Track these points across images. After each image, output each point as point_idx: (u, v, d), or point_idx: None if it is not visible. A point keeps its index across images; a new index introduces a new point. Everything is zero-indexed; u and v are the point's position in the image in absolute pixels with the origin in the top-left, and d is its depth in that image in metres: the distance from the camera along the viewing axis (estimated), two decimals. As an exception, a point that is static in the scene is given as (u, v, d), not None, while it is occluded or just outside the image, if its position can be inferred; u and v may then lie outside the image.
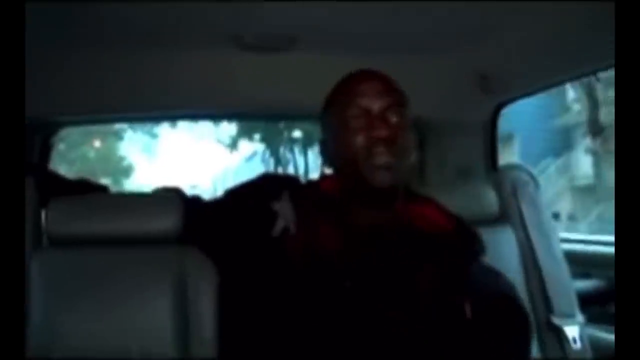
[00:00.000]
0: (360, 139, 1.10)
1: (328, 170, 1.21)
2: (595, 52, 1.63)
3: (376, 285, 1.06)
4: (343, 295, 1.04)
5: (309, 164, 10.76)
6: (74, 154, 12.01)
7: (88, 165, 12.45)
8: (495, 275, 1.18)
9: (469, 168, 2.17)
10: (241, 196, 1.22)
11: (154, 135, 12.97)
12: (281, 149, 11.46)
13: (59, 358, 1.14)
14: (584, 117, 10.84)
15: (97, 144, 12.95)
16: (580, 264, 1.88)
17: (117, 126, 11.72)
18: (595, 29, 1.50)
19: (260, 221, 1.12)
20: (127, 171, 13.74)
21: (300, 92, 1.74)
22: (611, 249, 2.02)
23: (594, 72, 1.77)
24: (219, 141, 11.98)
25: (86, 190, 1.35)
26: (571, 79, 2.00)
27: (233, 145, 11.68)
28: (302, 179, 1.27)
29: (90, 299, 1.20)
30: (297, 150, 11.19)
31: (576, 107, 11.17)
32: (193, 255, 1.22)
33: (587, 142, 10.93)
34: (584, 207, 10.63)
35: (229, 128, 11.28)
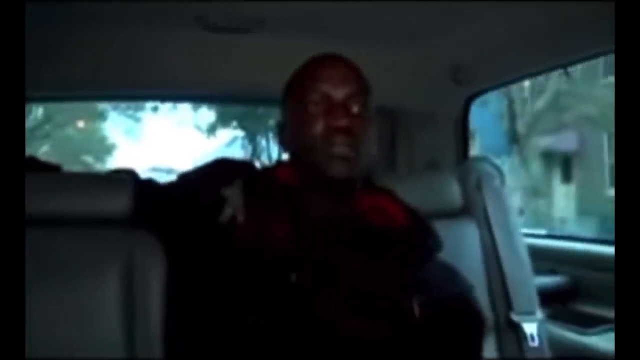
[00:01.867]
0: (319, 127, 1.06)
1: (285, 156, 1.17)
2: (564, 47, 1.63)
3: (322, 281, 1.02)
4: (287, 289, 1.00)
5: (282, 152, 10.85)
6: (59, 133, 12.09)
7: (71, 144, 12.56)
8: (450, 274, 1.15)
9: (439, 160, 2.16)
10: (193, 180, 1.18)
11: (136, 119, 13.11)
12: (258, 137, 11.67)
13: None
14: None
15: (80, 124, 12.97)
16: (546, 259, 1.88)
17: (101, 107, 11.83)
18: (564, 23, 1.49)
19: (209, 207, 1.08)
20: (109, 150, 13.80)
21: (267, 75, 1.71)
22: (578, 245, 2.03)
23: (562, 66, 1.76)
24: (197, 127, 12.18)
25: (35, 168, 1.30)
26: (539, 72, 1.99)
27: (211, 131, 11.81)
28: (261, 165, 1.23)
29: (37, 282, 1.13)
30: (271, 137, 11.23)
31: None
32: (142, 238, 1.19)
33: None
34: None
35: (207, 115, 11.46)
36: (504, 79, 2.02)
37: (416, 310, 1.03)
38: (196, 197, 1.12)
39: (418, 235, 1.14)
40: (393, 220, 1.14)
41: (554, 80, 10.20)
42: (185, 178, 1.20)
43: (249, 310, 0.99)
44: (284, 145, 1.17)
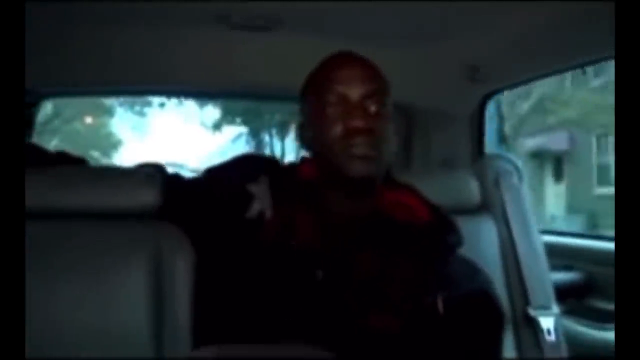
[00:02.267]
0: (337, 128, 1.06)
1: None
2: (581, 47, 1.64)
3: (348, 278, 1.04)
4: (314, 286, 1.02)
5: (285, 148, 11.18)
6: (67, 128, 12.24)
7: (79, 139, 12.67)
8: (471, 269, 1.16)
9: (455, 158, 2.18)
10: (219, 176, 1.20)
11: (143, 115, 13.26)
12: (261, 133, 11.87)
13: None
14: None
15: (88, 120, 13.17)
16: (562, 256, 1.90)
17: (108, 104, 12.00)
18: (582, 23, 1.50)
19: (236, 203, 1.10)
20: (115, 146, 14.01)
21: (286, 73, 1.73)
22: (593, 243, 2.04)
23: (580, 66, 1.77)
24: (203, 124, 12.40)
25: (63, 162, 1.33)
26: (555, 72, 2.00)
27: (217, 127, 12.00)
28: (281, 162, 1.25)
29: (66, 274, 1.17)
30: (275, 134, 11.64)
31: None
32: (170, 232, 1.21)
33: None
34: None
35: (213, 112, 11.69)
36: (520, 79, 2.03)
37: (440, 305, 1.04)
38: (223, 193, 1.14)
39: (440, 230, 1.15)
40: (415, 215, 1.15)
41: (540, 84, 10.35)
42: (212, 173, 1.22)
43: (276, 305, 1.00)
44: (304, 144, 1.17)
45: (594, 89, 10.84)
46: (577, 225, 10.44)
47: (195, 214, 1.17)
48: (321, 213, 1.10)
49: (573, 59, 1.77)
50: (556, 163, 13.19)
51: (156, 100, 11.52)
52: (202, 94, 3.05)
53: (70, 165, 1.34)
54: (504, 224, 1.52)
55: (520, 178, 1.60)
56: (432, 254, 1.10)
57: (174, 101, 11.49)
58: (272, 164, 1.22)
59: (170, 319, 1.18)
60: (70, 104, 10.89)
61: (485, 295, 1.14)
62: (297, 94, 1.20)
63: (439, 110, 2.18)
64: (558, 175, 13.06)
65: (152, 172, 1.27)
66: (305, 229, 1.07)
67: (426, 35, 1.84)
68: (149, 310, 1.17)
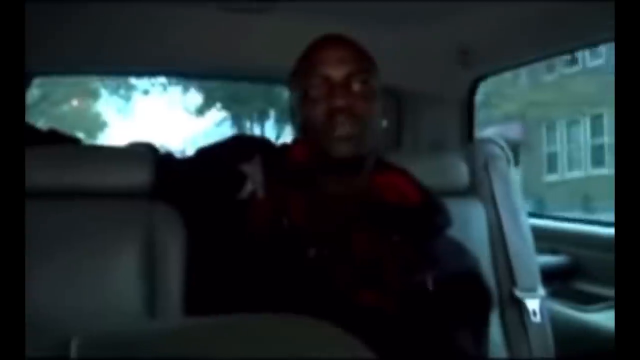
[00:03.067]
0: (320, 109, 1.08)
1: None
2: (571, 31, 1.64)
3: (340, 256, 1.06)
4: (306, 263, 1.04)
5: (265, 133, 11.53)
6: (55, 111, 12.53)
7: (67, 120, 12.88)
8: (459, 249, 1.19)
9: (444, 141, 2.19)
10: (212, 155, 1.21)
11: (128, 99, 13.46)
12: (243, 119, 12.45)
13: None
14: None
15: (75, 103, 13.42)
16: (549, 240, 1.92)
17: (94, 87, 12.36)
18: (571, 7, 1.51)
19: (229, 182, 1.11)
20: (101, 127, 14.31)
21: (277, 55, 1.73)
22: (579, 227, 2.07)
23: (568, 52, 1.78)
24: (186, 109, 12.89)
25: (56, 140, 1.33)
26: (545, 57, 2.02)
27: (200, 112, 12.57)
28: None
29: (59, 252, 1.17)
30: (255, 120, 12.30)
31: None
32: (163, 210, 1.21)
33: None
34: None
35: (195, 98, 12.31)
36: (510, 63, 2.04)
37: (429, 283, 1.07)
38: (216, 172, 1.15)
39: (429, 211, 1.17)
40: (405, 197, 1.17)
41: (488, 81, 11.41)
42: (204, 153, 1.23)
43: (268, 283, 1.01)
44: (295, 127, 1.19)
45: (545, 85, 11.95)
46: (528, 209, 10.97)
47: (188, 192, 1.18)
48: (313, 193, 1.11)
49: (562, 44, 1.78)
50: (513, 151, 13.71)
51: (140, 85, 12.07)
52: (194, 75, 3.03)
53: (61, 143, 1.34)
54: (492, 206, 1.53)
55: (508, 162, 1.61)
56: (422, 234, 1.12)
57: (158, 87, 12.16)
58: (265, 144, 1.23)
59: (162, 296, 1.18)
60: (58, 87, 11.18)
61: (473, 275, 1.17)
62: (287, 76, 1.20)
63: (429, 93, 2.19)
64: (515, 163, 13.72)
65: (145, 151, 1.27)
66: (297, 208, 1.08)
67: (416, 18, 1.85)
68: (141, 287, 1.18)
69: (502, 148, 1.64)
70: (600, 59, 11.68)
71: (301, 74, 1.13)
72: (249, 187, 1.10)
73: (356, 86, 1.09)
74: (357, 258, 1.07)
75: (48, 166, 1.23)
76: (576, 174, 13.32)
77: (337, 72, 1.09)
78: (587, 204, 11.21)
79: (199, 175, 1.17)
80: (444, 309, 1.07)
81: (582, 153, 13.47)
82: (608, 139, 12.40)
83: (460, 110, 2.20)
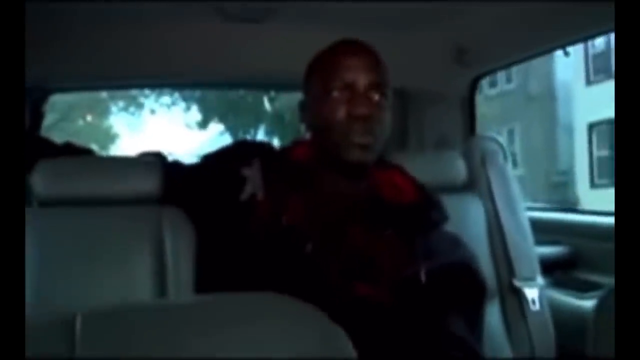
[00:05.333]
0: (340, 114, 1.11)
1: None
2: (566, 26, 1.68)
3: (337, 250, 1.11)
4: (303, 258, 1.09)
5: None
6: (71, 127, 13.43)
7: (81, 134, 13.82)
8: (454, 243, 1.23)
9: (448, 138, 2.23)
10: (215, 161, 1.27)
11: (137, 116, 14.56)
12: (239, 131, 13.80)
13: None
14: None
15: (89, 118, 14.39)
16: (550, 231, 1.96)
17: (106, 106, 13.66)
18: (567, 2, 1.54)
19: (231, 186, 1.17)
20: (113, 139, 15.25)
21: (280, 63, 1.79)
22: (578, 217, 2.11)
23: (563, 46, 1.82)
24: (187, 125, 14.25)
25: (72, 152, 1.39)
26: (542, 53, 2.05)
27: (201, 126, 13.91)
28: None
29: (76, 260, 1.24)
30: (252, 132, 13.75)
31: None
32: (172, 215, 1.28)
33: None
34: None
35: (196, 115, 13.88)
36: (508, 60, 2.07)
37: (422, 276, 1.11)
38: (219, 177, 1.21)
39: (425, 208, 1.22)
40: (403, 194, 1.22)
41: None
42: (209, 159, 1.29)
43: (268, 278, 1.06)
44: (305, 123, 1.22)
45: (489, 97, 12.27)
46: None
47: (195, 197, 1.24)
48: (312, 192, 1.16)
49: (557, 39, 1.81)
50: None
51: (147, 104, 13.48)
52: (196, 85, 3.08)
53: (77, 155, 1.41)
54: (490, 200, 1.58)
55: (505, 157, 1.66)
56: (416, 230, 1.17)
57: (163, 107, 13.76)
58: (264, 148, 1.29)
59: (174, 295, 1.24)
60: (74, 106, 12.42)
61: (467, 267, 1.21)
62: (289, 83, 1.24)
63: (431, 93, 2.22)
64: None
65: (154, 160, 1.33)
66: (296, 207, 1.13)
67: (415, 20, 1.88)
68: (154, 287, 1.24)
69: (499, 144, 1.69)
70: (512, 84, 13.63)
71: (323, 74, 1.15)
72: (248, 189, 1.16)
73: (376, 96, 1.13)
74: (352, 252, 1.12)
75: (65, 177, 1.30)
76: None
77: (360, 80, 1.12)
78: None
79: (204, 180, 1.23)
80: (436, 300, 1.12)
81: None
82: (519, 148, 13.90)
83: (462, 108, 2.24)
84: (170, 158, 1.37)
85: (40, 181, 1.27)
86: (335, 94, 1.12)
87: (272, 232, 1.11)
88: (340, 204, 1.16)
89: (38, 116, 1.99)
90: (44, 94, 2.01)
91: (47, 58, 1.71)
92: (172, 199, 1.29)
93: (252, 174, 1.18)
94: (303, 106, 1.24)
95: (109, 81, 2.18)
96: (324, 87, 1.14)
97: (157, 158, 1.36)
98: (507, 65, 2.12)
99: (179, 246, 1.27)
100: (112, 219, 1.29)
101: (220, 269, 1.16)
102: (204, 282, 1.21)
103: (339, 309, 1.05)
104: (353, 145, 1.11)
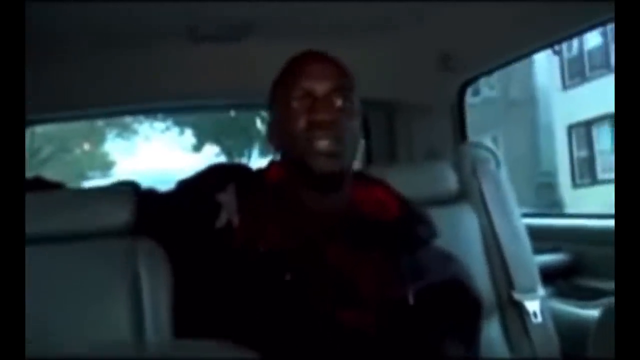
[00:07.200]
0: (301, 123, 1.07)
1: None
2: (553, 24, 1.63)
3: (318, 277, 1.05)
4: (283, 289, 1.03)
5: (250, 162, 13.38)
6: (68, 157, 14.05)
7: (80, 163, 14.56)
8: (444, 260, 1.17)
9: (439, 149, 2.18)
10: (189, 187, 1.21)
11: (132, 142, 15.05)
12: (233, 152, 14.64)
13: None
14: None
15: (86, 146, 14.82)
16: (547, 238, 1.90)
17: (102, 133, 14.22)
18: (550, 3, 1.50)
19: (206, 213, 1.11)
20: (110, 165, 15.43)
21: (260, 80, 1.74)
22: (579, 222, 2.05)
23: (552, 44, 1.77)
24: (183, 149, 14.83)
25: (41, 187, 1.34)
26: (530, 53, 2.00)
27: (195, 149, 14.67)
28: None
29: (45, 296, 1.18)
30: (245, 152, 14.54)
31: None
32: (146, 246, 1.22)
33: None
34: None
35: (190, 139, 14.79)
36: (496, 63, 2.02)
37: (410, 298, 1.05)
38: (193, 204, 1.15)
39: (410, 224, 1.16)
40: (386, 211, 1.16)
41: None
42: (183, 185, 1.23)
43: (249, 310, 1.01)
44: (272, 144, 1.19)
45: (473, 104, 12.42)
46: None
47: (169, 226, 1.18)
48: (289, 214, 1.11)
49: (547, 37, 1.77)
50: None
51: (142, 131, 14.18)
52: (190, 109, 3.07)
53: (46, 189, 1.35)
54: (484, 211, 1.52)
55: (497, 164, 1.59)
56: (402, 248, 1.12)
57: (157, 132, 14.37)
58: (239, 171, 1.23)
59: (152, 329, 1.18)
60: (71, 137, 13.13)
61: (459, 284, 1.15)
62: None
63: (418, 102, 2.19)
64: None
65: (125, 190, 1.28)
66: (273, 232, 1.07)
67: (397, 29, 1.85)
68: (131, 321, 1.18)
69: (490, 151, 1.62)
70: (494, 91, 13.74)
71: (282, 87, 1.13)
72: (224, 216, 1.10)
73: (338, 102, 1.09)
74: (333, 276, 1.06)
75: (32, 214, 1.23)
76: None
77: (320, 87, 1.09)
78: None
79: (178, 208, 1.18)
80: (427, 323, 1.06)
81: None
82: (503, 153, 13.92)
83: (451, 116, 2.20)
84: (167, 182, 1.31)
85: None
86: (295, 103, 1.09)
87: (249, 260, 1.05)
88: (318, 223, 1.10)
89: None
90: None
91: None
92: (145, 229, 1.23)
93: (227, 199, 1.12)
94: (270, 126, 1.20)
95: (88, 109, 2.13)
96: (284, 99, 1.11)
97: (129, 187, 1.30)
98: (496, 68, 2.06)
99: (155, 280, 1.20)
100: (85, 255, 1.23)
101: (198, 301, 1.09)
102: (182, 315, 1.15)
103: (323, 338, 1.00)
104: (317, 154, 1.06)
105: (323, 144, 1.06)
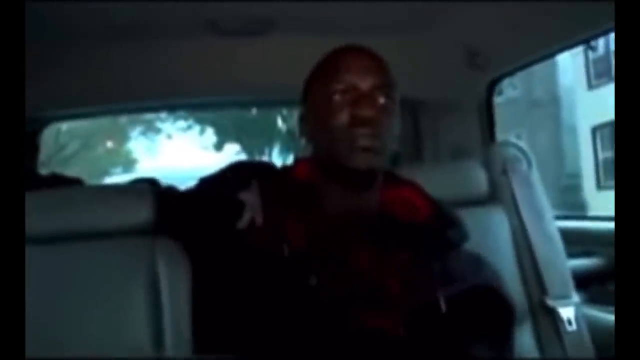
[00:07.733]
0: (343, 117, 1.03)
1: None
2: (585, 21, 1.58)
3: (343, 283, 1.01)
4: (308, 293, 0.99)
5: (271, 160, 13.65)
6: (91, 154, 14.06)
7: (103, 160, 14.64)
8: (476, 264, 1.13)
9: (465, 147, 2.14)
10: (211, 185, 1.17)
11: (155, 140, 15.33)
12: (254, 151, 14.63)
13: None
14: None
15: (109, 144, 14.84)
16: (580, 242, 1.84)
17: (125, 129, 14.31)
18: None
19: (227, 212, 1.08)
20: (132, 163, 15.55)
21: (285, 75, 1.71)
22: (610, 225, 1.98)
23: (585, 42, 1.71)
24: (204, 148, 15.01)
25: (58, 183, 1.31)
26: (561, 50, 1.93)
27: (217, 148, 14.88)
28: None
29: (65, 295, 1.16)
30: (266, 151, 14.57)
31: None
32: (166, 245, 1.19)
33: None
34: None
35: (211, 138, 15.01)
36: (525, 60, 1.97)
37: (442, 304, 1.01)
38: (215, 203, 1.12)
39: (441, 226, 1.12)
40: (416, 212, 1.12)
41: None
42: (205, 183, 1.19)
43: (272, 313, 0.98)
44: (305, 136, 1.15)
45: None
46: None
47: (189, 225, 1.15)
48: (315, 214, 1.07)
49: (576, 35, 1.71)
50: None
51: (164, 129, 14.42)
52: (201, 106, 3.06)
53: (64, 186, 1.32)
54: (515, 212, 1.46)
55: (529, 164, 1.53)
56: (432, 251, 1.07)
57: (180, 130, 14.59)
58: (263, 168, 1.19)
59: (170, 331, 1.16)
60: (95, 134, 13.24)
61: (491, 290, 1.10)
62: (295, 96, 1.17)
63: (445, 99, 2.15)
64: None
65: (145, 188, 1.24)
66: (297, 233, 1.04)
67: (425, 26, 1.82)
68: (149, 323, 1.16)
69: (521, 150, 1.56)
70: (516, 91, 13.50)
71: (323, 79, 1.08)
72: (247, 215, 1.06)
73: (381, 99, 1.05)
74: (363, 279, 1.02)
75: (50, 211, 1.21)
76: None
77: (364, 82, 1.05)
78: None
79: (199, 207, 1.14)
80: (459, 330, 1.02)
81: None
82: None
83: (479, 114, 2.14)
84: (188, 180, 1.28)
85: (26, 216, 1.19)
86: (338, 97, 1.04)
87: (274, 262, 1.01)
88: (346, 223, 1.06)
89: (33, 150, 1.91)
90: (39, 125, 1.94)
91: (37, 87, 1.65)
92: (165, 228, 1.19)
93: (251, 198, 1.08)
94: (302, 119, 1.16)
95: (105, 106, 2.11)
96: (325, 91, 1.06)
97: (150, 185, 1.26)
98: (525, 66, 2.00)
99: (175, 281, 1.17)
100: (103, 254, 1.20)
101: (219, 304, 1.06)
102: (202, 318, 1.11)
103: (348, 342, 0.96)
104: (357, 150, 1.02)
105: (364, 140, 1.02)
